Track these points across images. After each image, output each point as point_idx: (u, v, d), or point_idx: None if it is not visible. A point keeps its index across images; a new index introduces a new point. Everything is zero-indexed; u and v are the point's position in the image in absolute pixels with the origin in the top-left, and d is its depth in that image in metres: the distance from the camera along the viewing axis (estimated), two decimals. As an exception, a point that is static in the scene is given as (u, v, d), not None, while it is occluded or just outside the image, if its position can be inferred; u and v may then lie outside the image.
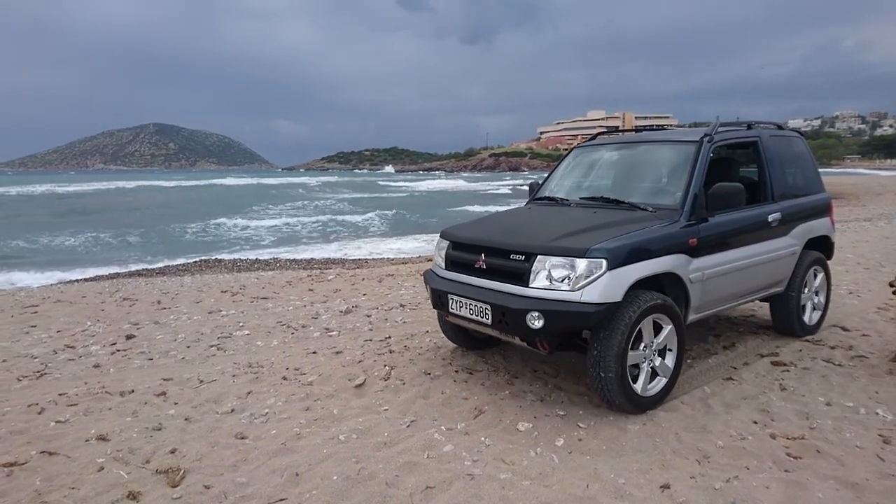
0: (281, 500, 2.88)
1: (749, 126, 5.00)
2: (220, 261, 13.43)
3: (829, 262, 5.44)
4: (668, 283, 3.92)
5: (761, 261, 4.56)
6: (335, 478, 3.07)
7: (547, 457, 3.19)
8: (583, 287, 3.45)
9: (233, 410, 3.97)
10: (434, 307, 4.31)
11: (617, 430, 3.55)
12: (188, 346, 5.58)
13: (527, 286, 3.61)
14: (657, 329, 3.77)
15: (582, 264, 3.47)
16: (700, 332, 5.43)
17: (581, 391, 4.13)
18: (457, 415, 3.81)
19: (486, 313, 3.76)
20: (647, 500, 2.79)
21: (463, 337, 4.84)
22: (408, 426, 3.66)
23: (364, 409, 3.93)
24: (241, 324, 6.38)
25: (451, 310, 4.07)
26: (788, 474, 2.98)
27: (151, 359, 5.24)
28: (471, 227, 4.50)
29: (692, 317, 4.13)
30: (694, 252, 3.94)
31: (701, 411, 3.76)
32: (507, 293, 3.69)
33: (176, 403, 4.12)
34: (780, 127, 5.39)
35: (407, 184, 68.77)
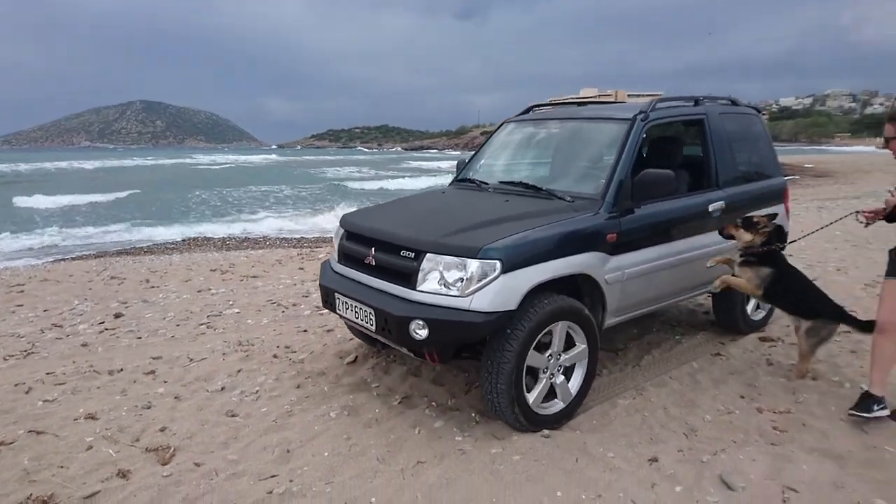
0: (272, 476, 2.89)
1: (696, 101, 4.42)
2: (208, 239, 13.32)
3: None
4: (585, 283, 3.48)
5: (699, 256, 4.05)
6: (326, 454, 3.08)
7: (537, 434, 3.21)
8: (473, 293, 2.97)
9: (223, 388, 3.96)
10: (323, 306, 3.82)
11: (607, 405, 3.58)
12: (177, 325, 5.54)
13: (414, 289, 3.12)
14: (569, 337, 3.32)
15: (473, 265, 2.97)
16: (688, 308, 5.46)
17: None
18: (447, 391, 3.82)
19: (370, 318, 3.26)
20: (634, 473, 2.82)
21: (365, 336, 4.26)
22: (399, 402, 3.67)
23: (355, 386, 3.94)
24: (230, 302, 6.34)
25: (337, 310, 3.59)
26: (774, 447, 3.02)
27: (140, 337, 5.21)
28: (369, 214, 4.00)
29: (611, 320, 3.68)
30: (613, 249, 3.46)
31: (689, 386, 3.80)
32: (393, 296, 3.21)
33: (165, 382, 4.10)
34: (734, 103, 4.81)
35: (430, 163, 63.98)
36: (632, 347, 4.57)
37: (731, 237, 3.89)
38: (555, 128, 4.66)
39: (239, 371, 4.25)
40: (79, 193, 23.50)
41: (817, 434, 3.16)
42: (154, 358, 4.57)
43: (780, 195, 4.90)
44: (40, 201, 21.53)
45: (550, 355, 3.24)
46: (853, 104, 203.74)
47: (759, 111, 5.04)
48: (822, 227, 4.38)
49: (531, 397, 3.18)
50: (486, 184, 4.26)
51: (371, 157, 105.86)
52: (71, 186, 28.18)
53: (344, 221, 3.92)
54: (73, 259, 10.87)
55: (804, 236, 4.42)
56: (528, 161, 4.64)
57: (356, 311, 3.38)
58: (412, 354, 3.44)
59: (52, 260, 10.82)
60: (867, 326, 3.45)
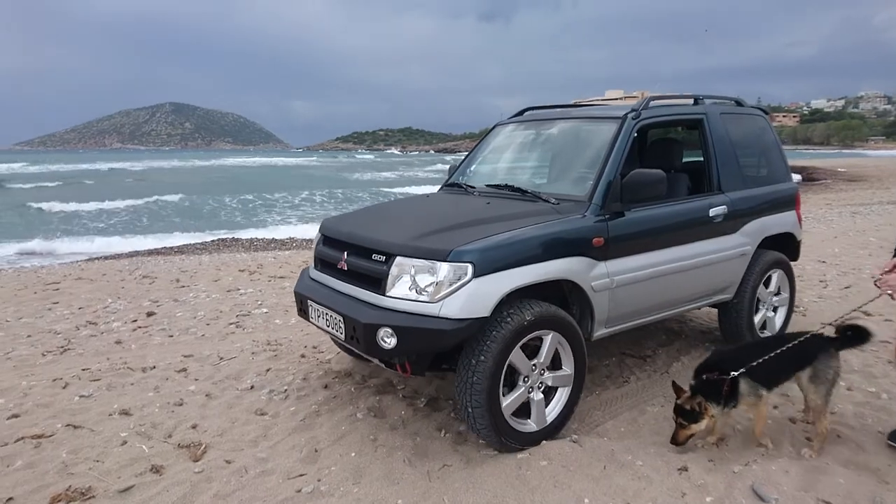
0: (301, 475, 2.93)
1: (696, 101, 4.25)
2: (237, 240, 13.53)
3: (793, 263, 4.68)
4: (572, 291, 3.32)
5: (696, 264, 3.81)
6: (353, 455, 3.11)
7: (564, 439, 3.19)
8: (443, 298, 2.81)
9: (252, 387, 4.02)
10: (298, 314, 3.68)
11: (636, 412, 3.54)
12: (207, 324, 5.65)
13: (384, 294, 2.97)
14: (557, 357, 3.16)
15: (443, 269, 2.82)
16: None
17: (602, 374, 4.13)
18: (473, 395, 3.82)
19: (339, 326, 3.11)
20: (664, 482, 2.78)
21: (349, 349, 3.95)
22: (424, 405, 3.68)
23: (381, 387, 3.96)
24: (259, 302, 6.44)
25: (311, 318, 3.45)
26: (808, 459, 2.96)
27: (172, 336, 5.32)
28: (345, 219, 3.84)
29: (601, 331, 3.45)
30: (600, 254, 3.27)
31: (719, 394, 3.74)
32: (362, 302, 3.07)
33: (196, 380, 4.18)
34: (739, 103, 4.62)
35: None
36: (661, 354, 4.52)
37: (691, 437, 3.04)
38: (545, 129, 4.48)
39: (268, 370, 4.31)
40: (130, 198, 24.10)
41: (853, 446, 3.08)
42: (185, 356, 4.67)
43: (790, 201, 4.62)
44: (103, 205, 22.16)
45: (535, 365, 3.06)
46: (888, 106, 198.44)
47: (766, 112, 4.80)
48: (853, 311, 3.61)
49: (504, 402, 2.97)
50: (472, 187, 4.13)
51: (405, 158, 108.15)
52: (124, 190, 29.15)
53: (322, 226, 3.79)
54: (107, 259, 11.14)
55: (845, 317, 3.22)
56: (518, 164, 4.49)
57: (327, 319, 3.24)
58: (383, 366, 3.30)
59: (86, 259, 11.10)
60: (859, 334, 3.03)
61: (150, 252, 12.01)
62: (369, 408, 3.64)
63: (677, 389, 3.05)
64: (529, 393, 3.09)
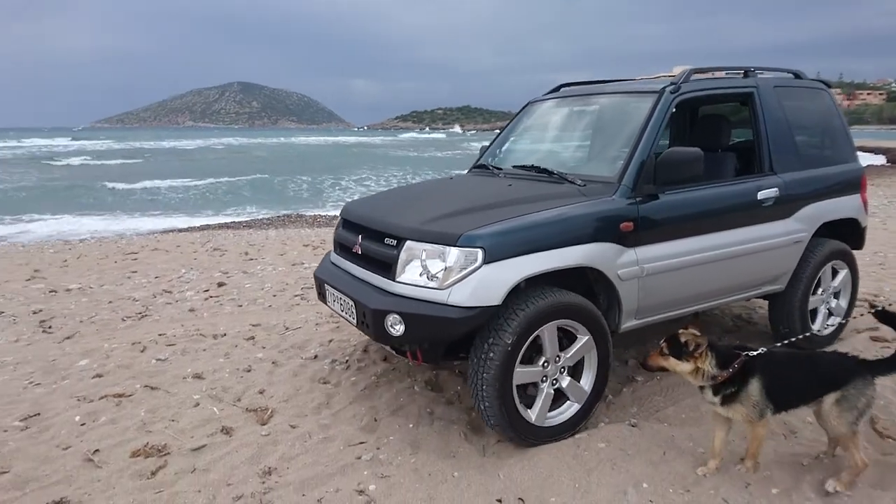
0: (361, 442, 3.02)
1: (746, 73, 3.88)
2: (301, 216, 13.91)
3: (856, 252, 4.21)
4: (598, 280, 3.11)
5: (741, 252, 3.51)
6: (411, 426, 3.18)
7: (624, 423, 3.15)
8: (452, 284, 2.68)
9: (316, 357, 4.16)
10: (318, 298, 3.63)
11: (698, 398, 3.43)
12: (274, 295, 5.86)
13: (394, 280, 2.87)
14: (570, 340, 2.97)
15: (452, 254, 2.70)
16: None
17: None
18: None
19: (351, 311, 3.04)
20: (726, 470, 2.70)
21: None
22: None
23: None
24: (321, 276, 6.63)
25: (328, 302, 3.39)
26: (884, 456, 2.80)
27: (241, 305, 5.56)
28: (365, 202, 3.77)
29: (631, 323, 3.23)
30: (629, 240, 3.04)
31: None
32: (374, 287, 2.98)
33: (264, 348, 4.37)
34: (797, 76, 4.17)
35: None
36: (728, 342, 4.37)
37: (663, 370, 2.66)
38: (578, 106, 4.19)
39: (330, 341, 4.44)
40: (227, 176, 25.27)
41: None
42: (253, 325, 4.87)
43: (854, 184, 4.17)
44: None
45: (546, 362, 2.89)
46: None
47: (828, 86, 4.33)
48: None
49: (533, 414, 2.86)
50: (499, 169, 3.95)
51: (469, 136, 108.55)
52: (201, 168, 30.67)
53: (343, 209, 3.71)
54: (180, 231, 11.70)
55: None
56: (548, 143, 4.24)
57: (341, 304, 3.17)
58: (394, 353, 3.25)
59: (161, 231, 11.69)
60: None
61: (221, 226, 12.53)
62: (426, 381, 3.70)
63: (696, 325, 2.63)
64: (542, 382, 2.93)
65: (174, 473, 2.78)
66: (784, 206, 3.72)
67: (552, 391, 2.95)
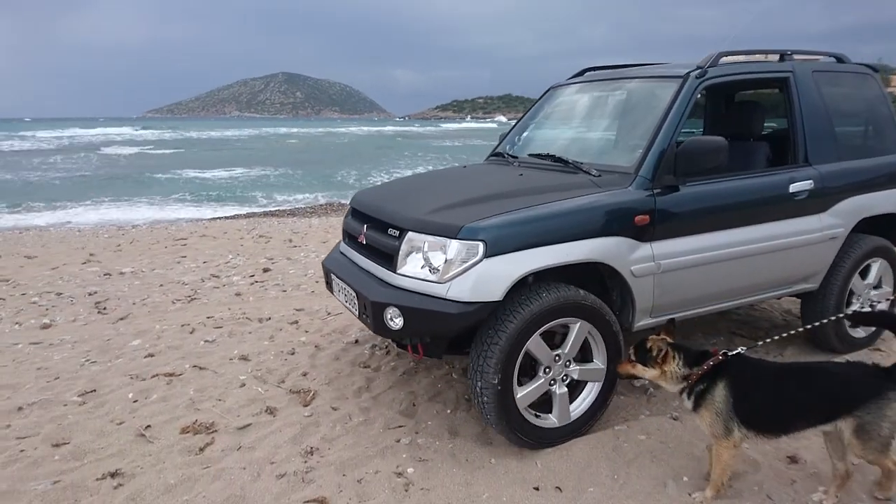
0: (400, 426, 3.07)
1: (782, 57, 3.61)
2: (343, 204, 14.11)
3: None
4: (611, 276, 2.95)
5: (769, 248, 3.29)
6: (448, 412, 3.21)
7: (665, 416, 3.10)
8: (452, 278, 2.58)
9: (357, 341, 4.23)
10: (326, 287, 3.55)
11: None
12: (316, 282, 5.98)
13: (395, 272, 2.78)
14: (587, 347, 2.85)
15: (453, 247, 2.58)
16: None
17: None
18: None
19: (354, 302, 2.97)
20: (772, 467, 2.64)
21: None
22: (521, 371, 3.71)
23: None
24: (362, 264, 6.73)
25: (334, 293, 3.37)
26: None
27: (285, 290, 5.69)
28: (373, 191, 3.69)
29: (645, 321, 3.06)
30: (644, 234, 2.87)
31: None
32: (376, 279, 2.89)
33: (307, 332, 4.47)
34: (840, 60, 3.89)
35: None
36: (774, 340, 4.22)
37: (633, 377, 2.63)
38: (600, 92, 3.97)
39: (370, 328, 4.52)
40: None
41: None
42: (297, 310, 4.99)
43: None
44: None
45: (559, 355, 2.77)
46: None
47: (874, 70, 4.03)
48: None
49: (519, 393, 2.70)
50: (515, 157, 3.79)
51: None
52: (249, 156, 31.66)
53: (352, 198, 3.63)
54: (227, 218, 12.03)
55: None
56: (568, 131, 4.05)
57: (345, 294, 3.10)
58: (396, 346, 3.21)
59: (209, 218, 12.04)
60: None
61: (266, 214, 12.82)
62: (464, 368, 3.72)
63: (667, 331, 2.54)
64: (551, 385, 2.80)
65: (221, 450, 2.88)
66: (819, 200, 3.48)
67: (565, 389, 2.83)
